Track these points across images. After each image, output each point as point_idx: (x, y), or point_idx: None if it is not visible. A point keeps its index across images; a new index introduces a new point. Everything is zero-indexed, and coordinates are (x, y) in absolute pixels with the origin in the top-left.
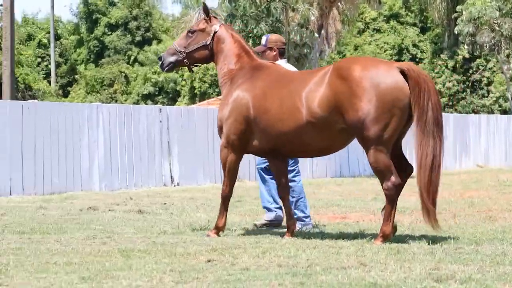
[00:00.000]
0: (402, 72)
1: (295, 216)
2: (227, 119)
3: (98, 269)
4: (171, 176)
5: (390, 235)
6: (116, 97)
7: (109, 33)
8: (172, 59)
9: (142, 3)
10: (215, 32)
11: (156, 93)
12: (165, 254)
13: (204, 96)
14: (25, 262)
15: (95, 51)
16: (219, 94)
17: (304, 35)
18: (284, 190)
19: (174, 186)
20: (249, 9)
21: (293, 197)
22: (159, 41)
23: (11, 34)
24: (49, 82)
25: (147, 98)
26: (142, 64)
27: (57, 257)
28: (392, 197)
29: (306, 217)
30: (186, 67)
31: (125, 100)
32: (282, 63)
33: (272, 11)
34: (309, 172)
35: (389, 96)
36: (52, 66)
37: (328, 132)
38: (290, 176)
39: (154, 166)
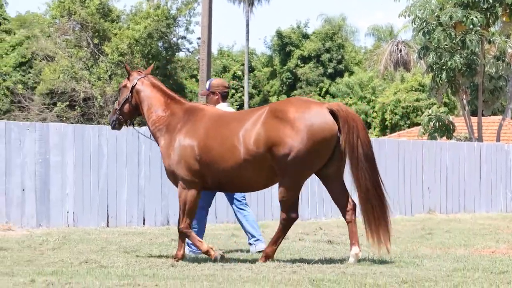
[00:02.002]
0: (332, 112)
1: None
2: (177, 164)
3: None
4: None
5: (272, 257)
6: None
7: (302, 65)
8: (114, 117)
9: (335, 35)
10: (133, 86)
11: None
12: (355, 285)
13: (395, 128)
14: None
15: (287, 83)
16: (410, 126)
17: (500, 67)
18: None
19: None
20: (443, 41)
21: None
22: (351, 73)
23: (208, 67)
24: None
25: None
26: (333, 96)
27: (249, 285)
28: (285, 227)
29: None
30: (126, 123)
31: None
32: (224, 106)
33: (468, 44)
34: (503, 206)
35: (319, 135)
36: (246, 98)
37: (265, 168)
38: None
39: None
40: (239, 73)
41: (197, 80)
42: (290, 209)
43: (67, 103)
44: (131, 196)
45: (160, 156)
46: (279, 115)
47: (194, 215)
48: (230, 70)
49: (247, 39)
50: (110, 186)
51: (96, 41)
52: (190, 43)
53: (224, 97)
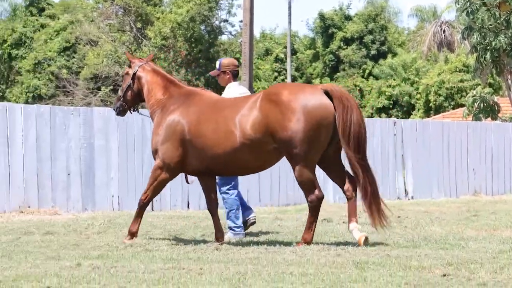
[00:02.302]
0: (327, 93)
1: (227, 226)
2: (162, 144)
3: (333, 281)
4: (405, 190)
5: (311, 242)
6: None
7: (345, 47)
8: (118, 104)
9: (378, 17)
10: (135, 73)
11: (391, 106)
12: (400, 267)
13: (439, 109)
14: (262, 272)
15: (330, 65)
16: (454, 107)
17: None
18: (213, 205)
19: (408, 199)
20: (488, 21)
21: (226, 208)
22: (394, 54)
23: (250, 50)
24: None
25: (382, 111)
26: (376, 78)
27: (293, 268)
28: (315, 208)
29: (237, 227)
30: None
31: None
32: (235, 84)
33: None
34: None
35: (316, 115)
36: (288, 80)
37: (261, 152)
38: (224, 189)
39: (388, 179)
40: (282, 55)
41: (239, 63)
42: (311, 190)
43: (111, 87)
44: (175, 179)
45: None
46: (273, 98)
47: (157, 194)
48: (273, 53)
49: (289, 22)
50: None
51: (139, 25)
52: (233, 26)
53: (235, 76)
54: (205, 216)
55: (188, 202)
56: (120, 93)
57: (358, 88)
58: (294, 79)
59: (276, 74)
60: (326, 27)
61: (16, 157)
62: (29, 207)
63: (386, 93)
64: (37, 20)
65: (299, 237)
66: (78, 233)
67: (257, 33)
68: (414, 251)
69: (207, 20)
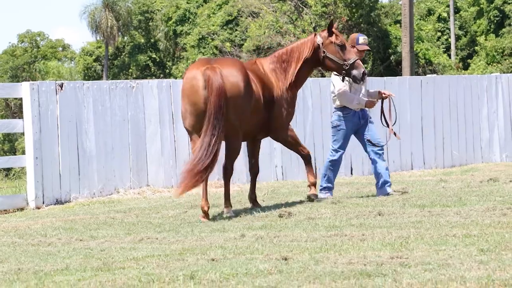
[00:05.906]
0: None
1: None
2: None
3: (497, 241)
4: None
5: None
6: None
7: (510, 1)
8: None
9: None
10: None
11: None
12: None
13: None
14: (425, 235)
15: (495, 21)
16: None
17: None
18: (251, 170)
19: None
20: None
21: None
22: None
23: (410, 11)
24: (449, 56)
25: None
26: None
27: (456, 230)
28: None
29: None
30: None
31: None
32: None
33: None
34: None
35: (185, 94)
36: (452, 39)
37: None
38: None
39: None
40: (445, 14)
41: (401, 26)
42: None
43: None
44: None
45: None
46: None
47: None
48: (435, 12)
49: None
50: (316, 139)
51: None
52: None
53: None
54: (368, 182)
55: (351, 168)
56: None
57: None
58: (458, 38)
59: (439, 34)
60: None
61: (181, 132)
62: None
63: None
64: None
65: (464, 198)
66: (242, 204)
67: None
68: None
69: None
